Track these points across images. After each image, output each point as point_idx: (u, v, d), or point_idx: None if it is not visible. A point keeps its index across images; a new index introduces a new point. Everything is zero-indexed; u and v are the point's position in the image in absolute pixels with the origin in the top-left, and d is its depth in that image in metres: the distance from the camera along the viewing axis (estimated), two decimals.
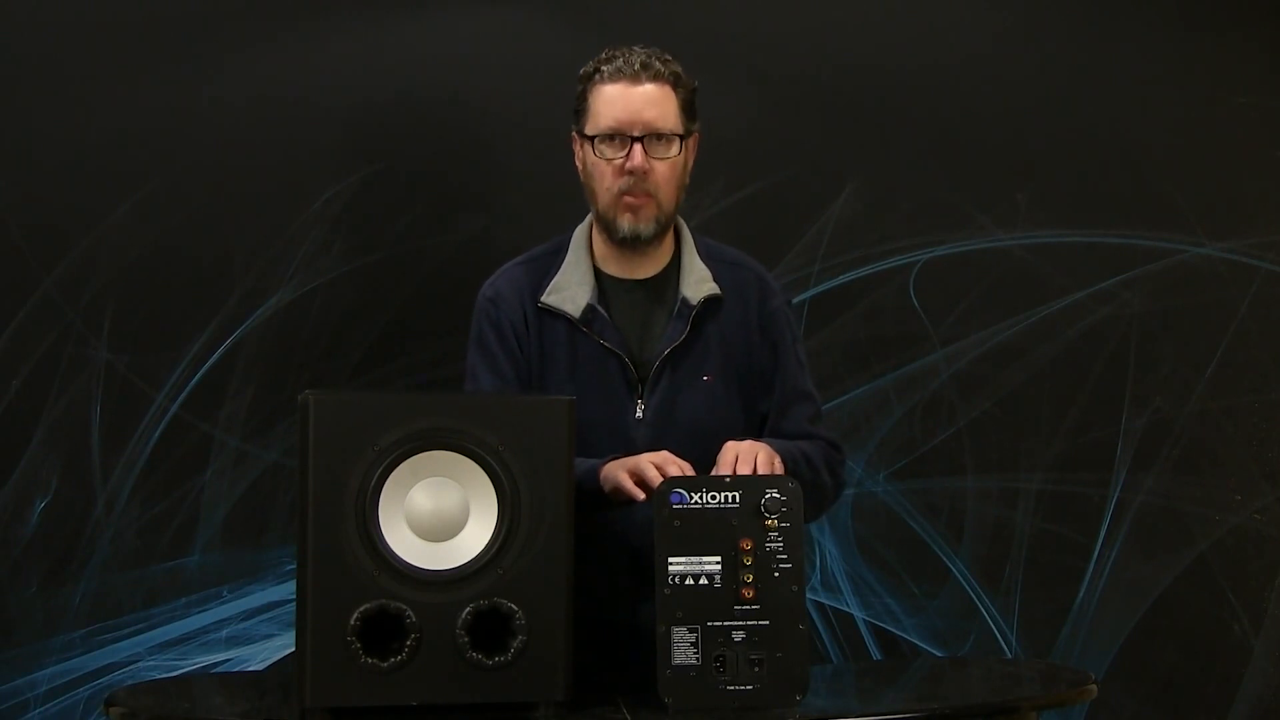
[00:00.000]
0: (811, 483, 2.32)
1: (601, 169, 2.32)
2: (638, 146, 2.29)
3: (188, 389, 2.97)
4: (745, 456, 2.17)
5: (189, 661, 2.95)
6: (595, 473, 2.21)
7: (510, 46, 3.08)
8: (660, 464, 2.15)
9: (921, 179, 3.19)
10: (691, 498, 2.06)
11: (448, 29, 3.08)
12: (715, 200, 3.10)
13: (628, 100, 2.30)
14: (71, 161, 2.95)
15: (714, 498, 2.06)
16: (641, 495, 2.15)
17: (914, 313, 3.18)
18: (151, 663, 2.93)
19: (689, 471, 2.16)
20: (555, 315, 2.35)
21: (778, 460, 2.20)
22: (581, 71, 2.36)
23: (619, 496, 2.18)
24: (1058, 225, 3.22)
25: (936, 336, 3.19)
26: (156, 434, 2.96)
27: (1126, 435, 3.21)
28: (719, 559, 2.04)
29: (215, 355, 2.98)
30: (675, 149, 2.32)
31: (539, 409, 2.00)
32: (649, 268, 2.40)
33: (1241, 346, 3.24)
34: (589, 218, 2.42)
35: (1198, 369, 3.23)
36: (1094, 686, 2.19)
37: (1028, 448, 3.20)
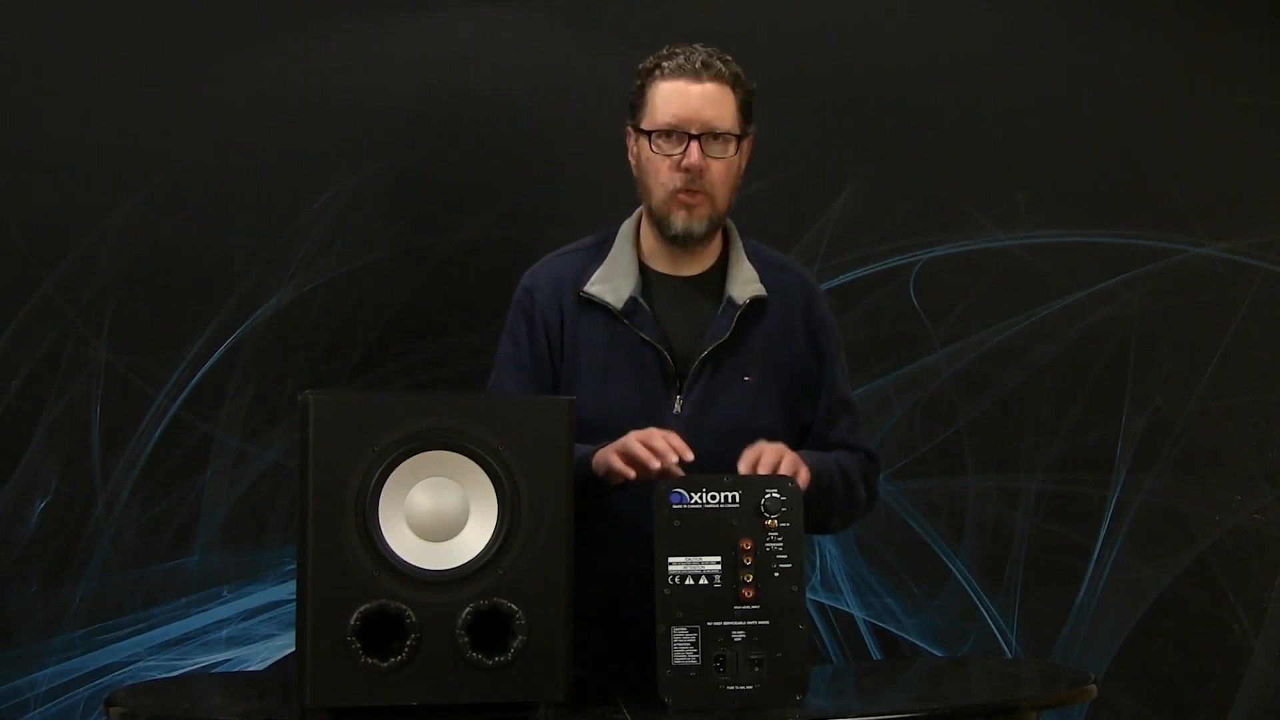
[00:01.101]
0: (845, 498, 2.33)
1: (657, 164, 2.32)
2: (694, 144, 2.29)
3: (188, 389, 2.97)
4: (769, 457, 2.16)
5: (189, 661, 2.95)
6: (587, 460, 2.21)
7: (510, 46, 3.08)
8: (645, 439, 2.15)
9: (921, 179, 3.19)
10: (691, 498, 2.06)
11: (448, 29, 3.08)
12: None
13: (687, 98, 2.30)
14: (71, 161, 2.95)
15: (714, 498, 2.06)
16: (632, 473, 2.15)
17: (914, 313, 3.18)
18: (151, 663, 2.93)
19: (675, 442, 2.15)
20: (596, 306, 2.35)
21: (803, 470, 2.19)
22: (640, 67, 2.36)
23: (613, 480, 2.19)
24: (1058, 225, 3.22)
25: (936, 336, 3.19)
26: (156, 434, 2.96)
27: (1126, 435, 3.21)
28: (719, 559, 2.04)
29: (215, 355, 2.98)
30: (732, 149, 2.33)
31: (539, 409, 2.00)
32: (696, 266, 2.40)
33: (1241, 346, 3.24)
34: (636, 213, 2.42)
35: (1198, 369, 3.23)
36: (1094, 686, 2.20)
37: (1028, 448, 3.20)
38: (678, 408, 2.32)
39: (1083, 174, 3.24)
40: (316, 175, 3.02)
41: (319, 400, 1.95)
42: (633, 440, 2.16)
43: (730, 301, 2.36)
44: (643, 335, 2.33)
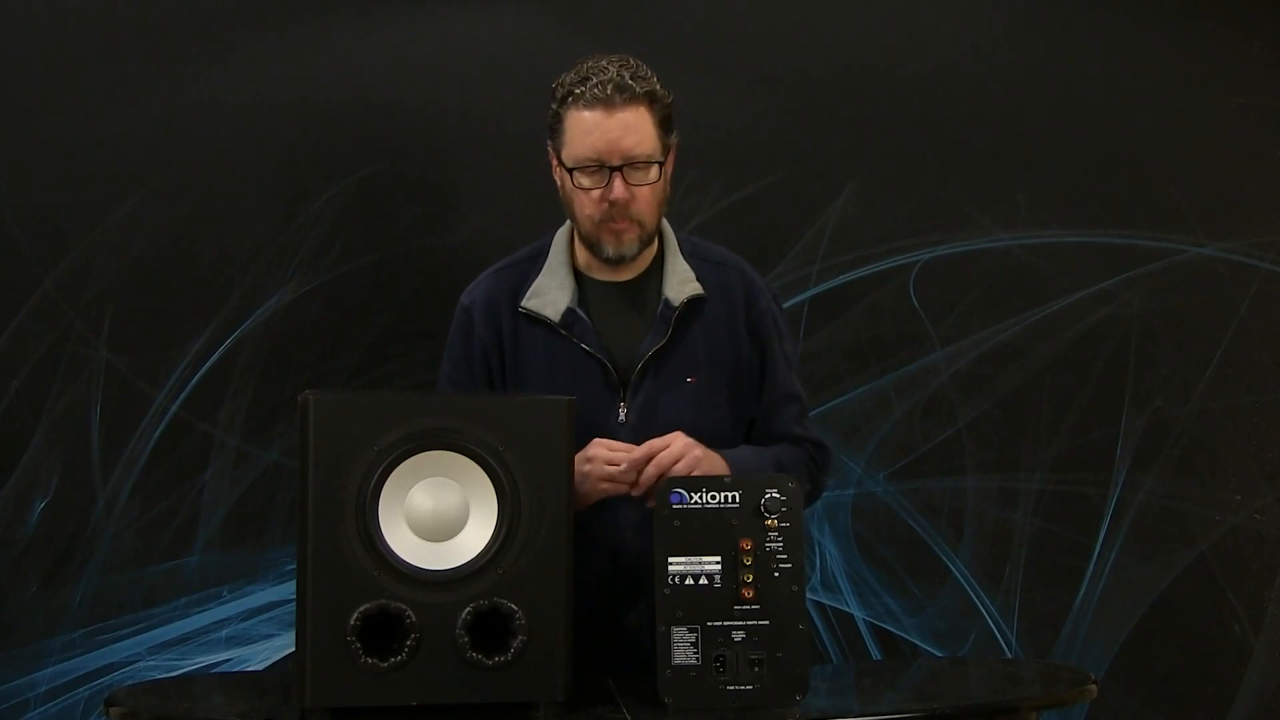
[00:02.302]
0: None
1: (580, 197, 2.29)
2: (618, 179, 2.25)
3: (188, 389, 2.97)
4: (664, 457, 2.17)
5: (189, 661, 2.95)
6: None
7: (510, 47, 3.08)
8: (592, 488, 2.17)
9: (921, 179, 3.19)
10: (691, 498, 2.06)
11: (447, 29, 3.08)
12: (715, 200, 3.09)
13: (605, 130, 2.24)
14: (71, 161, 2.95)
15: (714, 498, 2.06)
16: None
17: (914, 313, 3.18)
18: (151, 663, 2.93)
19: (615, 457, 2.18)
20: (535, 320, 2.34)
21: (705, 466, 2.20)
22: (554, 87, 2.31)
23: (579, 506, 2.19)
24: (1058, 225, 3.22)
25: (936, 336, 3.18)
26: (156, 434, 2.96)
27: (1126, 435, 3.21)
28: (719, 559, 2.04)
29: (215, 355, 2.98)
30: (655, 173, 2.29)
31: (539, 409, 2.00)
32: (632, 270, 2.39)
33: (1241, 346, 3.24)
34: (570, 221, 2.40)
35: (1198, 369, 3.23)
36: (1094, 686, 2.20)
37: (1028, 448, 3.20)
38: (623, 415, 2.32)
39: (1083, 174, 3.23)
40: (316, 175, 3.02)
41: (319, 400, 1.95)
42: (596, 488, 2.19)
43: (667, 303, 2.34)
44: (583, 346, 2.32)
